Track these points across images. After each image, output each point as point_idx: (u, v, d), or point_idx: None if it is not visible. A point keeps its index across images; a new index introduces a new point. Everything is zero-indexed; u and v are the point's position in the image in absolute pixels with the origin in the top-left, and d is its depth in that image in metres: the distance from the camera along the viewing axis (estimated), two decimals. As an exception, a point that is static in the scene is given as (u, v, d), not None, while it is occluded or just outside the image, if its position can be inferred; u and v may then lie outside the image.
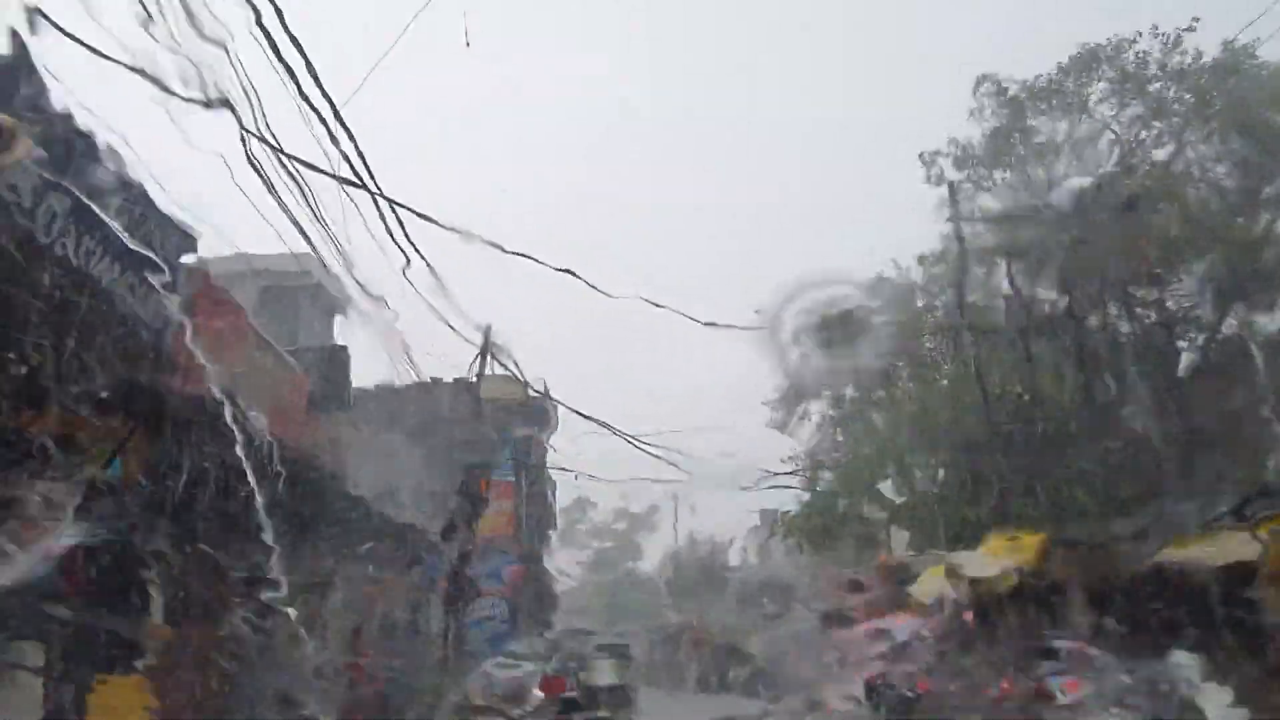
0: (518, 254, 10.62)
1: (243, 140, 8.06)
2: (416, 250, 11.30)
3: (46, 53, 5.75)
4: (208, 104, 6.43)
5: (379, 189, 9.99)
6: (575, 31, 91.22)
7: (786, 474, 28.39)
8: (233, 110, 7.27)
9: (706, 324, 14.07)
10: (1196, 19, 20.20)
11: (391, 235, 10.52)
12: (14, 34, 5.49)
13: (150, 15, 6.35)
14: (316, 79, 8.28)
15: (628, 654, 26.66)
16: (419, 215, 10.36)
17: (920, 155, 23.16)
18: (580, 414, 19.78)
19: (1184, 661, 9.96)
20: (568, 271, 11.31)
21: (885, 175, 66.08)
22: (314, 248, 10.67)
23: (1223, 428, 17.70)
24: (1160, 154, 21.20)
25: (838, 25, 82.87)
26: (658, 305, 12.58)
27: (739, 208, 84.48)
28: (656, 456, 20.61)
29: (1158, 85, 20.85)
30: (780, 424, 29.27)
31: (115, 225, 5.82)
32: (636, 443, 19.79)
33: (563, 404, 22.52)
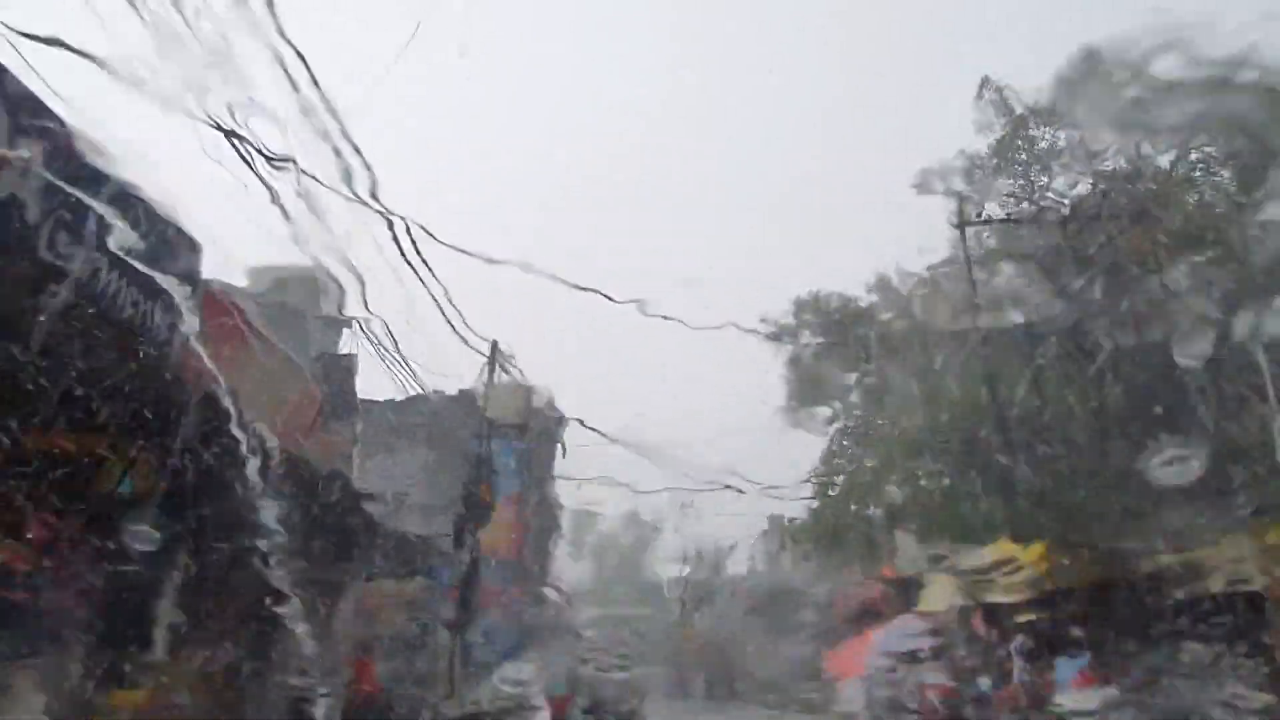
0: (547, 274, 10.60)
1: (247, 160, 8.13)
2: (426, 266, 11.36)
3: (59, 71, 5.82)
4: (218, 126, 6.50)
5: (384, 207, 10.05)
6: (577, 35, 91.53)
7: (798, 483, 28.42)
8: (237, 134, 7.33)
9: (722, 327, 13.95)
10: (1202, 20, 20.26)
11: (403, 253, 10.55)
12: None
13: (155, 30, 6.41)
14: (319, 87, 8.35)
15: (630, 661, 26.71)
16: (427, 232, 10.41)
17: (922, 171, 23.21)
18: (587, 426, 19.82)
19: (1191, 664, 9.95)
20: (594, 290, 11.25)
21: (892, 176, 66.14)
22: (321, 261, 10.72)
23: (1229, 433, 17.67)
24: (1165, 159, 21.23)
25: (843, 27, 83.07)
26: (667, 318, 12.55)
27: (744, 212, 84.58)
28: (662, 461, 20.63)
29: (1159, 89, 20.88)
30: (791, 423, 29.41)
31: (125, 240, 5.87)
32: (644, 453, 19.81)
33: (569, 416, 22.56)
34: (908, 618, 17.87)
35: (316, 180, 9.20)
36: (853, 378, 29.21)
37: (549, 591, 31.46)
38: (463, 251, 9.86)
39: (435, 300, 11.44)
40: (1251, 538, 10.65)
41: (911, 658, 15.94)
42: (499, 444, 22.11)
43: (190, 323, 6.46)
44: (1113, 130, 21.62)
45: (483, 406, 19.87)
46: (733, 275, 72.29)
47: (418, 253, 10.90)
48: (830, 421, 29.09)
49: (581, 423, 19.82)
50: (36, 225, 5.56)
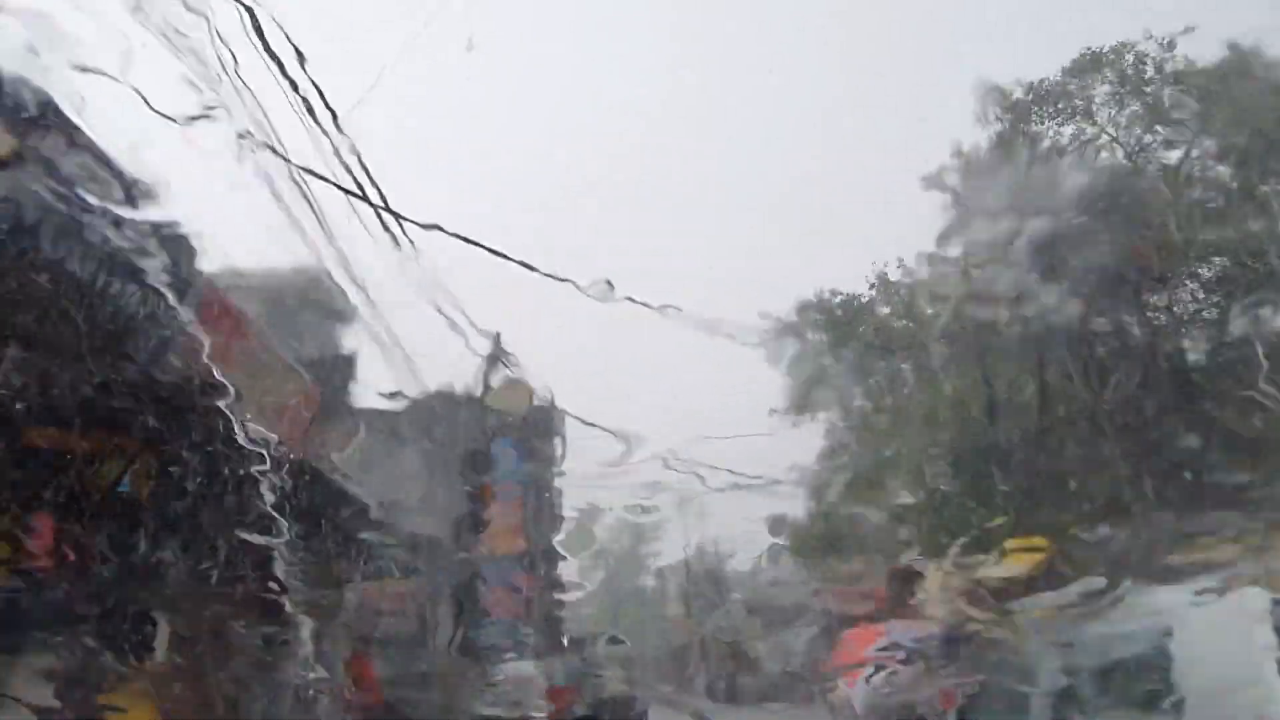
0: (535, 269, 10.55)
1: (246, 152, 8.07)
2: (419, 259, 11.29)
3: (48, 63, 5.75)
4: (210, 114, 6.46)
5: (385, 200, 10.01)
6: (577, 35, 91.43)
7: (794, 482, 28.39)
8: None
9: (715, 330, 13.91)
10: (1191, 26, 20.40)
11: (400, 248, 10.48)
12: None
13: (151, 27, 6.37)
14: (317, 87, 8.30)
15: (632, 659, 26.71)
16: (425, 226, 10.35)
17: (924, 178, 23.26)
18: (587, 422, 19.73)
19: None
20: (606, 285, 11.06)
21: (892, 173, 65.91)
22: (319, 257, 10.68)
23: (1232, 430, 17.66)
24: (1164, 155, 21.26)
25: (842, 26, 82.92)
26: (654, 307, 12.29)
27: (745, 209, 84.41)
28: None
29: (1154, 87, 20.97)
30: (790, 423, 29.40)
31: (124, 237, 5.84)
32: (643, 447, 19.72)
33: (570, 414, 22.48)
34: (910, 617, 17.84)
35: (315, 173, 9.17)
36: (853, 376, 29.18)
37: (550, 587, 31.45)
38: (470, 242, 9.74)
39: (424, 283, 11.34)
40: (1256, 537, 10.63)
41: (915, 656, 15.87)
42: (501, 441, 22.10)
43: (189, 320, 6.43)
44: (1115, 125, 21.67)
45: (482, 397, 19.85)
46: (732, 272, 72.21)
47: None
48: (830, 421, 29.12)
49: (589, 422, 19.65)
50: (37, 222, 5.53)
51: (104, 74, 6.34)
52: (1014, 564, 14.08)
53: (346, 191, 9.48)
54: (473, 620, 18.87)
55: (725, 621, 44.94)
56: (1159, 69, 20.80)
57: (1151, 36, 20.76)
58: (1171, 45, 20.61)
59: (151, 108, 6.55)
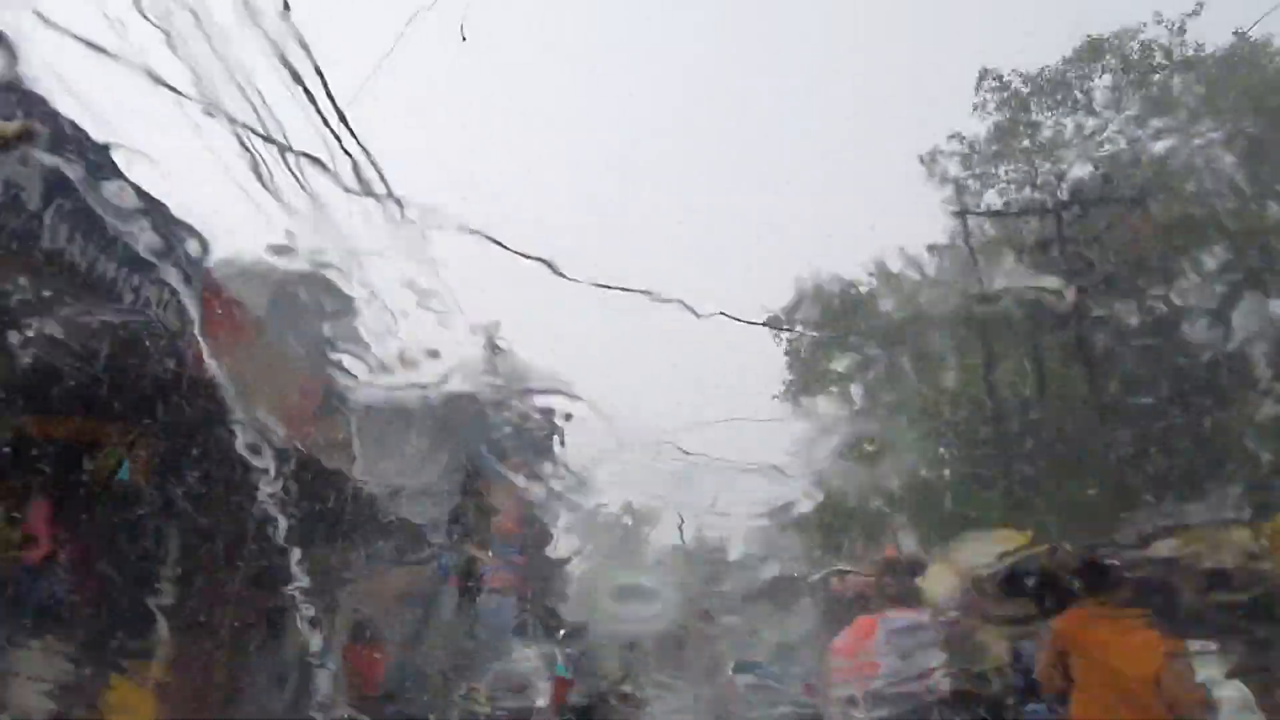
0: (532, 257, 10.48)
1: (245, 143, 8.00)
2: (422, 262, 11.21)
3: (51, 51, 5.71)
4: (210, 109, 6.41)
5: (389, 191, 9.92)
6: (579, 34, 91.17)
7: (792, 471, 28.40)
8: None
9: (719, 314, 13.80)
10: (1200, 3, 20.28)
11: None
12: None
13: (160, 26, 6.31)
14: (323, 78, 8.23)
15: (635, 646, 26.71)
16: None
17: (920, 158, 23.27)
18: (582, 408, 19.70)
19: (1195, 657, 9.91)
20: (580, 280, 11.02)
21: (893, 165, 65.85)
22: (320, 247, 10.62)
23: (1232, 421, 17.67)
24: (1167, 143, 21.22)
25: (842, 16, 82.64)
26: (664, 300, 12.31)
27: (743, 201, 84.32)
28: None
29: (1162, 74, 20.89)
30: (790, 410, 29.45)
31: (126, 229, 5.82)
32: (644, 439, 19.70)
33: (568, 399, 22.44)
34: (909, 605, 17.87)
35: (315, 159, 9.08)
36: (853, 366, 29.21)
37: (550, 573, 31.52)
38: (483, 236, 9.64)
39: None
40: (1249, 528, 10.60)
41: (914, 648, 15.88)
42: (501, 428, 22.12)
43: (190, 311, 6.42)
44: (1115, 114, 21.62)
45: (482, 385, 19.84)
46: (732, 259, 72.19)
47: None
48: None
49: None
50: (38, 210, 5.51)
51: (108, 55, 6.27)
52: (1010, 553, 14.04)
53: (347, 188, 9.38)
54: (472, 609, 18.92)
55: (722, 608, 45.03)
56: (1168, 55, 20.74)
57: (1161, 21, 20.70)
58: (1182, 29, 20.55)
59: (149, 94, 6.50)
